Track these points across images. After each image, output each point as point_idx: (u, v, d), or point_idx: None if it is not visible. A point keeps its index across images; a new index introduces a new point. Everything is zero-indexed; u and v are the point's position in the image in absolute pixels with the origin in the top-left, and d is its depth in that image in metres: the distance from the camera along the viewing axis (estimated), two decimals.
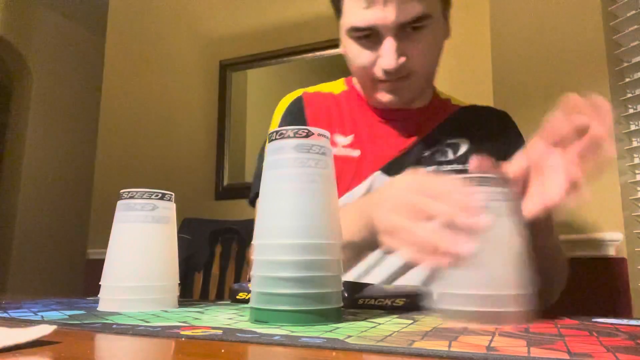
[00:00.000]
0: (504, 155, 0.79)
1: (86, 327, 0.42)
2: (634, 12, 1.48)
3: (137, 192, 0.57)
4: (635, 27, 1.48)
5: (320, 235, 0.44)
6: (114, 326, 0.42)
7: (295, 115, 0.90)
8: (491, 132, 0.87)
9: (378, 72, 0.77)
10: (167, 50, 2.51)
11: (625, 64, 1.52)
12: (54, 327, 0.34)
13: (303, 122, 0.88)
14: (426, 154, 0.84)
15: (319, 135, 0.47)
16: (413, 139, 0.85)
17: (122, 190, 0.58)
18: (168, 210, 0.59)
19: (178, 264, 0.61)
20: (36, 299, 0.73)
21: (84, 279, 2.44)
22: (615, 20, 1.53)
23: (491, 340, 0.34)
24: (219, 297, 1.45)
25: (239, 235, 1.48)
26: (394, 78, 0.77)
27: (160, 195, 0.58)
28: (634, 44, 1.48)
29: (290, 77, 2.25)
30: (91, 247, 2.39)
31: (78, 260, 2.96)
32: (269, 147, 0.47)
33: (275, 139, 0.47)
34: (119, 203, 0.59)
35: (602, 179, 1.48)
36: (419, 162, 0.83)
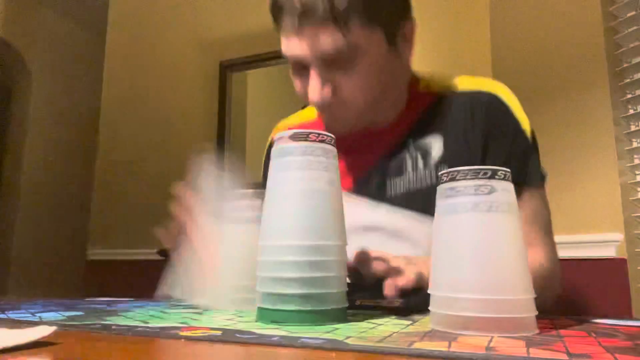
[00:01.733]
0: (484, 150, 0.74)
1: (85, 329, 0.42)
2: (633, 12, 1.49)
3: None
4: (635, 27, 1.48)
5: (325, 237, 0.45)
6: (113, 327, 0.42)
7: (266, 167, 0.93)
8: (467, 126, 0.76)
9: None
10: (167, 51, 2.52)
11: (625, 65, 1.52)
12: (53, 328, 0.34)
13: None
14: (393, 165, 0.78)
15: (324, 138, 0.47)
16: (381, 153, 0.79)
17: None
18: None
19: None
20: (35, 300, 0.73)
21: (84, 280, 2.44)
22: (615, 21, 1.54)
23: (490, 341, 0.34)
24: None
25: None
26: (327, 109, 0.73)
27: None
28: (634, 44, 1.48)
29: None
30: (91, 248, 2.39)
31: (78, 261, 2.96)
32: (274, 150, 0.48)
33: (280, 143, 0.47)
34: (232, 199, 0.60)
35: (603, 179, 1.48)
36: (387, 176, 0.78)
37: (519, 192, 0.66)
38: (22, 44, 3.14)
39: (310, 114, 0.93)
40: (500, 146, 0.75)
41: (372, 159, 0.80)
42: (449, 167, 0.75)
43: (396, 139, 0.80)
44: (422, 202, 0.74)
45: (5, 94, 3.35)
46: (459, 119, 0.78)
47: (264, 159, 0.97)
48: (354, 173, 0.81)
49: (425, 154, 0.77)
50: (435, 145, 0.77)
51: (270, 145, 0.93)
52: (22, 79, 3.22)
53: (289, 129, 0.94)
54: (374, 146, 0.81)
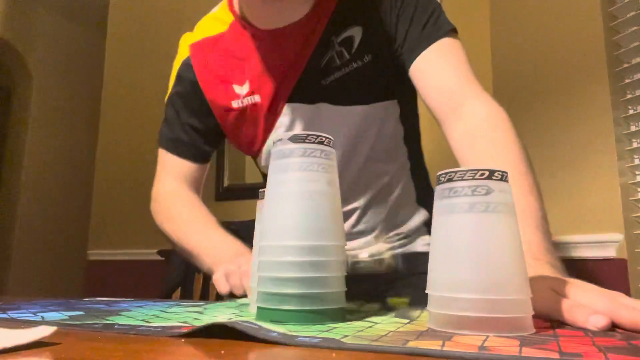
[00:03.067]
0: (399, 25, 0.77)
1: (87, 328, 0.42)
2: (633, 13, 1.49)
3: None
4: (635, 28, 1.48)
5: (324, 237, 0.45)
6: (116, 327, 0.42)
7: (186, 84, 0.93)
8: (383, 6, 0.78)
9: None
10: (168, 51, 2.52)
11: (625, 65, 1.52)
12: (54, 328, 0.35)
13: (196, 89, 0.90)
14: (322, 65, 0.79)
15: (322, 139, 0.48)
16: (307, 56, 0.80)
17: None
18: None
19: None
20: (35, 299, 0.73)
21: (85, 280, 2.45)
22: (615, 22, 1.54)
23: (485, 340, 0.35)
24: (219, 297, 1.45)
25: (240, 236, 1.48)
26: None
27: None
28: (634, 45, 1.48)
29: None
30: (91, 248, 2.40)
31: (78, 261, 2.97)
32: (274, 152, 0.48)
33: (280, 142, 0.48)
34: None
35: (603, 179, 1.48)
36: (319, 77, 0.79)
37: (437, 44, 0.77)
38: (22, 44, 3.14)
39: (220, 24, 0.91)
40: (408, 9, 0.78)
41: (300, 63, 0.80)
42: (371, 53, 0.78)
43: (317, 36, 0.80)
44: (355, 84, 0.79)
45: (5, 94, 3.35)
46: (373, 3, 0.80)
47: (172, 81, 0.97)
48: (285, 82, 0.81)
49: (349, 46, 0.79)
50: (357, 36, 0.79)
51: (186, 65, 0.95)
52: (22, 80, 3.22)
53: (192, 53, 0.95)
54: (294, 50, 0.80)
